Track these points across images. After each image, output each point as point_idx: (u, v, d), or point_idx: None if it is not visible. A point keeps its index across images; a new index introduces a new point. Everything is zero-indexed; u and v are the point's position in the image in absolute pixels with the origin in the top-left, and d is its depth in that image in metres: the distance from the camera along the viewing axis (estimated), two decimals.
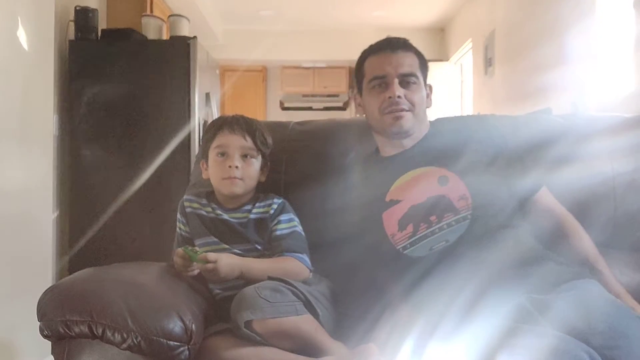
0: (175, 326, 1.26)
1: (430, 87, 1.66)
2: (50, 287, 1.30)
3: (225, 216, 1.64)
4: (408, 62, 1.59)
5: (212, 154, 1.65)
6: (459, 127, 1.67)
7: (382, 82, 1.57)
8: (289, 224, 1.65)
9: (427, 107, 1.65)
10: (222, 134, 1.64)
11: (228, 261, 1.48)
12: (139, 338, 1.22)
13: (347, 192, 1.66)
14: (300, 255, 1.60)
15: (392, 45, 1.61)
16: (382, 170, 1.61)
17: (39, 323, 1.27)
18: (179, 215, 1.70)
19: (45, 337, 1.27)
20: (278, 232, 1.63)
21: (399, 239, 1.50)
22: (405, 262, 1.47)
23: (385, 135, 1.63)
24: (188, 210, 1.68)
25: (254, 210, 1.65)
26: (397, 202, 1.53)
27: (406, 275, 1.44)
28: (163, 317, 1.27)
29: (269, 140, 1.70)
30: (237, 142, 1.63)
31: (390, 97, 1.55)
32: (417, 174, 1.55)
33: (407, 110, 1.56)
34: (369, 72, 1.62)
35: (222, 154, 1.63)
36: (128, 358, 1.25)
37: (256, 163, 1.67)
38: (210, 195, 1.70)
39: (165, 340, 1.24)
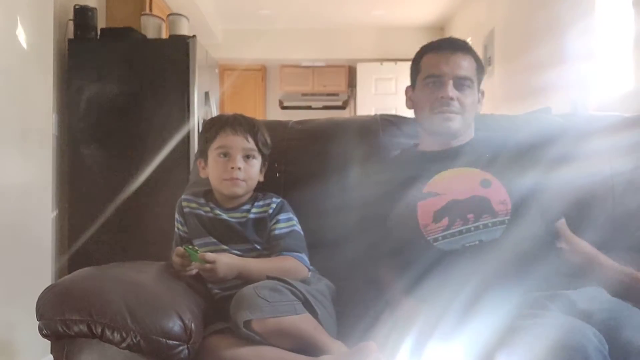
0: (175, 325, 1.26)
1: (482, 92, 1.68)
2: (49, 287, 1.30)
3: (224, 216, 1.64)
4: (465, 65, 1.60)
5: (213, 153, 1.64)
6: (505, 134, 1.70)
7: (437, 81, 1.59)
8: (287, 223, 1.65)
9: (477, 111, 1.67)
10: (225, 134, 1.63)
11: (226, 261, 1.48)
12: (138, 337, 1.22)
13: (381, 183, 1.65)
14: (299, 254, 1.60)
15: (452, 46, 1.63)
16: (422, 163, 1.63)
17: (38, 322, 1.27)
18: (176, 215, 1.69)
19: (45, 336, 1.27)
20: (277, 232, 1.62)
21: (432, 230, 1.50)
22: (434, 253, 1.48)
23: (432, 134, 1.65)
24: (186, 210, 1.67)
25: (253, 210, 1.65)
26: (436, 195, 1.54)
27: (433, 265, 1.45)
28: (162, 316, 1.27)
29: (269, 141, 1.70)
30: (240, 143, 1.63)
31: (442, 97, 1.56)
32: (460, 172, 1.57)
33: (457, 113, 1.58)
34: (425, 69, 1.63)
35: (225, 155, 1.63)
36: (127, 357, 1.25)
37: (257, 164, 1.66)
38: (208, 194, 1.70)
39: (164, 340, 1.24)
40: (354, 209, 1.67)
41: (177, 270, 1.50)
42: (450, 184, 1.54)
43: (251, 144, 1.64)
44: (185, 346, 1.27)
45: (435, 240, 1.49)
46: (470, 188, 1.52)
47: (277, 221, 1.64)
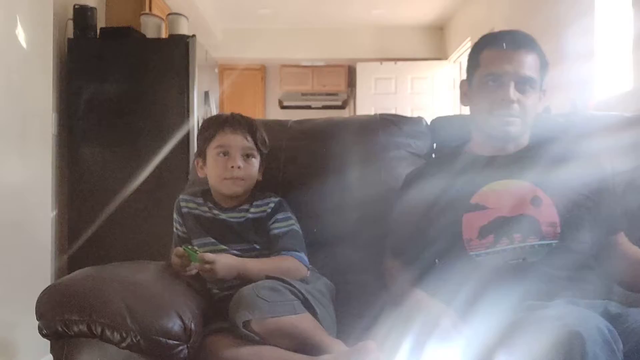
0: (174, 325, 1.26)
1: (544, 92, 1.55)
2: (48, 287, 1.30)
3: (223, 216, 1.64)
4: (529, 64, 1.47)
5: (213, 152, 1.64)
6: (563, 144, 1.56)
7: (498, 81, 1.46)
8: (286, 222, 1.65)
9: (538, 111, 1.55)
10: (224, 133, 1.63)
11: (225, 262, 1.48)
12: (138, 337, 1.22)
13: (425, 187, 1.54)
14: (297, 253, 1.60)
15: (516, 42, 1.49)
16: (473, 168, 1.51)
17: (37, 322, 1.27)
18: (175, 215, 1.69)
19: (44, 336, 1.27)
20: (275, 231, 1.62)
21: (475, 246, 1.41)
22: (474, 267, 1.39)
23: (488, 136, 1.54)
24: (184, 210, 1.67)
25: (251, 210, 1.65)
26: (484, 208, 1.43)
27: (471, 278, 1.35)
28: (162, 316, 1.27)
29: (267, 141, 1.70)
30: (239, 142, 1.63)
31: (503, 100, 1.45)
32: (512, 185, 1.46)
33: (517, 117, 1.47)
34: (485, 66, 1.50)
35: (224, 154, 1.63)
36: (127, 357, 1.25)
37: (256, 163, 1.66)
38: (206, 194, 1.69)
39: (164, 339, 1.24)
40: (433, 205, 1.51)
41: (177, 270, 1.50)
42: (499, 198, 1.43)
43: (250, 143, 1.64)
44: (185, 346, 1.27)
45: (478, 255, 1.40)
46: (520, 205, 1.41)
47: (276, 220, 1.64)
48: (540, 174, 1.45)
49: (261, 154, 1.69)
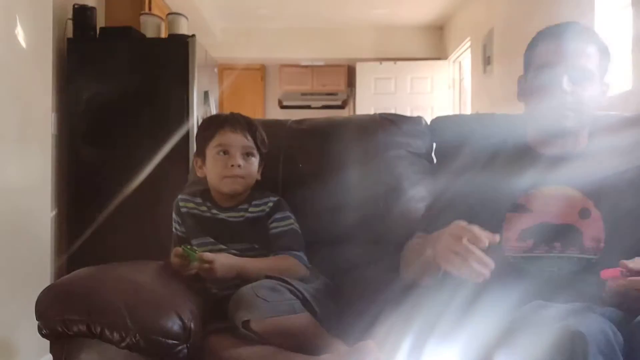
0: (174, 325, 1.26)
1: (607, 85, 1.46)
2: (48, 287, 1.30)
3: (222, 215, 1.64)
4: (585, 55, 1.39)
5: (212, 152, 1.64)
6: (625, 154, 1.45)
7: (550, 73, 1.38)
8: (285, 222, 1.65)
9: (600, 105, 1.46)
10: (224, 132, 1.64)
11: (224, 261, 1.48)
12: (138, 337, 1.22)
13: (477, 175, 1.46)
14: (297, 253, 1.60)
15: (570, 32, 1.41)
16: (528, 165, 1.43)
17: (37, 322, 1.27)
18: (174, 215, 1.69)
19: (44, 336, 1.27)
20: (274, 231, 1.63)
21: (512, 248, 1.36)
22: (507, 268, 1.33)
23: (544, 132, 1.46)
24: (183, 210, 1.67)
25: (250, 209, 1.65)
26: (528, 210, 1.38)
27: (501, 278, 1.26)
28: (162, 316, 1.27)
29: (267, 140, 1.71)
30: (239, 141, 1.63)
31: (556, 92, 1.37)
32: (562, 192, 1.38)
33: (571, 110, 1.38)
34: (538, 60, 1.43)
35: (224, 153, 1.63)
36: (127, 357, 1.25)
37: (255, 162, 1.67)
38: (205, 194, 1.69)
39: (164, 339, 1.24)
40: (482, 195, 1.41)
41: (176, 270, 1.50)
42: (546, 204, 1.37)
43: (250, 142, 1.65)
44: (185, 346, 1.27)
45: (514, 257, 1.36)
46: (567, 214, 1.35)
47: (275, 220, 1.64)
48: (594, 184, 1.37)
49: (260, 154, 1.69)
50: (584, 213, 1.36)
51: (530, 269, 1.34)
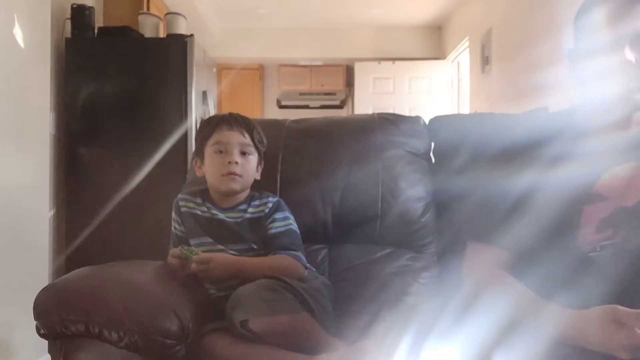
0: (172, 324, 1.26)
1: None
2: (46, 287, 1.30)
3: (221, 216, 1.64)
4: None
5: (210, 150, 1.64)
6: None
7: (608, 42, 1.21)
8: (283, 222, 1.65)
9: None
10: (221, 131, 1.64)
11: (222, 261, 1.49)
12: (136, 336, 1.22)
13: (531, 162, 1.31)
14: (295, 252, 1.60)
15: None
16: (593, 147, 1.28)
17: (35, 322, 1.27)
18: (173, 214, 1.69)
19: (42, 336, 1.27)
20: (273, 231, 1.62)
21: (591, 241, 1.22)
22: (584, 263, 1.22)
23: (607, 112, 1.27)
24: (183, 209, 1.67)
25: (250, 210, 1.65)
26: (605, 198, 1.23)
27: (578, 274, 1.19)
28: (160, 316, 1.27)
29: (265, 139, 1.71)
30: (236, 138, 1.63)
31: (614, 64, 1.19)
32: (632, 170, 1.24)
33: (636, 80, 1.18)
34: (591, 25, 1.26)
35: (221, 151, 1.63)
36: (125, 356, 1.25)
37: (253, 160, 1.67)
38: (204, 193, 1.70)
39: (162, 339, 1.24)
40: (551, 190, 1.27)
41: (174, 270, 1.50)
42: (621, 186, 1.23)
43: (247, 139, 1.65)
44: (183, 345, 1.27)
45: (593, 250, 1.22)
46: (638, 192, 1.21)
47: (274, 220, 1.64)
48: None
49: (259, 152, 1.69)
50: None
51: (609, 262, 1.20)
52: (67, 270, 1.75)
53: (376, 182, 1.77)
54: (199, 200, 1.68)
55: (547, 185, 1.26)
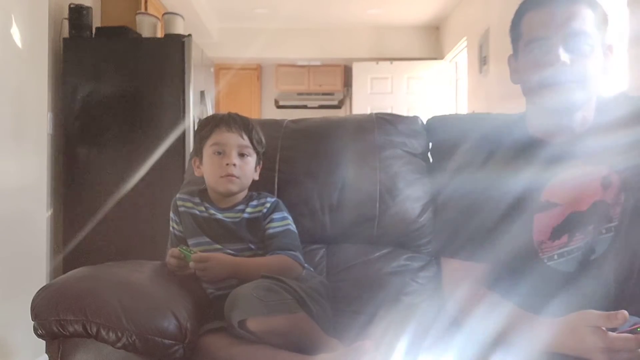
0: (170, 324, 1.26)
1: (610, 47, 1.29)
2: (43, 287, 1.30)
3: (219, 215, 1.64)
4: (580, 18, 1.22)
5: (209, 151, 1.64)
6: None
7: (543, 45, 1.23)
8: (281, 222, 1.65)
9: (604, 73, 1.28)
10: (220, 132, 1.64)
11: (220, 260, 1.49)
12: (134, 337, 1.22)
13: (488, 175, 1.32)
14: (292, 252, 1.60)
15: None
16: (538, 156, 1.29)
17: (33, 322, 1.27)
18: (172, 214, 1.69)
19: (40, 336, 1.27)
20: (271, 231, 1.62)
21: (547, 248, 1.26)
22: (546, 273, 1.26)
23: (546, 113, 1.30)
24: (181, 209, 1.67)
25: (247, 210, 1.65)
26: (555, 205, 1.26)
27: (544, 285, 1.22)
28: (158, 316, 1.27)
29: (264, 140, 1.71)
30: (234, 140, 1.63)
31: (552, 65, 1.21)
32: (581, 173, 1.26)
33: (573, 81, 1.21)
34: (526, 32, 1.27)
35: (220, 152, 1.63)
36: (123, 357, 1.25)
37: (251, 161, 1.67)
38: (202, 193, 1.70)
39: (160, 339, 1.24)
40: (499, 201, 1.28)
41: (173, 270, 1.50)
42: (570, 191, 1.25)
43: (246, 141, 1.65)
44: (181, 345, 1.27)
45: (550, 259, 1.26)
46: (591, 194, 1.24)
47: (271, 220, 1.64)
48: (606, 151, 1.25)
49: (257, 153, 1.69)
50: (605, 182, 1.25)
51: (570, 270, 1.25)
52: (65, 271, 1.75)
53: (374, 182, 1.77)
54: (197, 199, 1.68)
55: (503, 197, 1.28)
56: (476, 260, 1.30)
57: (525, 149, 1.31)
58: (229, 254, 1.56)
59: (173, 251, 1.50)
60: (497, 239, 1.28)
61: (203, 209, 1.66)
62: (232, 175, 1.61)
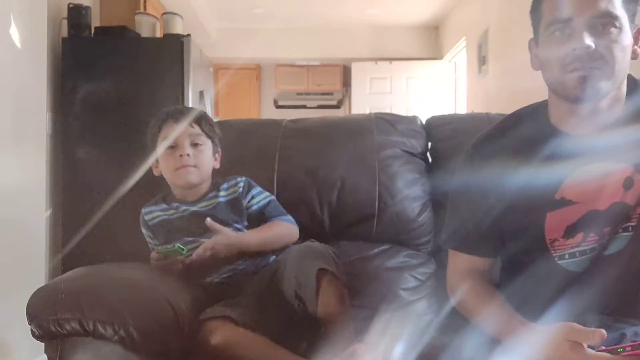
0: (167, 314, 1.27)
1: (638, 29, 1.17)
2: (37, 290, 1.28)
3: (193, 208, 1.63)
4: None
5: (161, 147, 1.63)
6: None
7: (565, 28, 1.13)
8: (262, 195, 1.67)
9: (634, 58, 1.17)
10: (168, 125, 1.63)
11: (224, 242, 1.50)
12: (131, 329, 1.21)
13: (503, 169, 1.23)
14: (286, 217, 1.63)
15: None
16: (557, 149, 1.20)
17: (30, 326, 1.26)
18: (144, 230, 1.68)
19: (37, 338, 1.26)
20: (256, 206, 1.64)
21: (559, 246, 1.20)
22: (555, 272, 1.21)
23: (568, 103, 1.18)
24: (151, 222, 1.66)
25: (221, 194, 1.65)
26: (571, 203, 1.18)
27: (552, 284, 1.18)
28: (154, 307, 1.28)
29: (216, 128, 1.69)
30: (184, 130, 1.62)
31: (574, 50, 1.10)
32: (602, 170, 1.17)
33: (599, 68, 1.10)
34: (547, 14, 1.18)
35: (173, 146, 1.62)
36: (121, 356, 1.24)
37: (207, 149, 1.65)
38: (167, 197, 1.69)
39: (157, 329, 1.24)
40: (512, 199, 1.22)
41: (167, 265, 1.50)
42: (589, 189, 1.17)
43: (197, 129, 1.64)
44: (179, 335, 1.27)
45: (561, 257, 1.20)
46: (612, 194, 1.16)
47: (252, 197, 1.65)
48: (632, 147, 1.16)
49: (212, 141, 1.68)
50: (627, 183, 1.17)
51: (579, 269, 1.20)
52: (64, 271, 1.74)
53: (373, 181, 1.78)
54: (163, 205, 1.66)
55: (516, 194, 1.21)
56: (481, 255, 1.29)
57: (545, 140, 1.22)
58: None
59: (153, 256, 1.51)
60: (506, 234, 1.25)
61: (173, 210, 1.64)
62: (188, 166, 1.60)
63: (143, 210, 1.68)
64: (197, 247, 1.52)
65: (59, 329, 1.23)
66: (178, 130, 1.61)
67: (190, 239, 1.59)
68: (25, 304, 1.26)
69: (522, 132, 1.26)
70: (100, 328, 1.21)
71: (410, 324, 1.28)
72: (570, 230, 1.18)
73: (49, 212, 3.04)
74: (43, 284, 1.31)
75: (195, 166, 1.61)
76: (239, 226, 1.61)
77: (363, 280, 1.69)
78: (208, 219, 1.49)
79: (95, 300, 1.24)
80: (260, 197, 1.65)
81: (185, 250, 1.47)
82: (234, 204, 1.63)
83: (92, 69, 3.22)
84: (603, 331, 0.96)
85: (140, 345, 1.23)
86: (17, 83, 2.48)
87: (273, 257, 1.59)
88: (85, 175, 3.20)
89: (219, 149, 1.71)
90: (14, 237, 2.44)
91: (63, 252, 3.13)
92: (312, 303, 1.35)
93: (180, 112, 1.65)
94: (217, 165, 1.70)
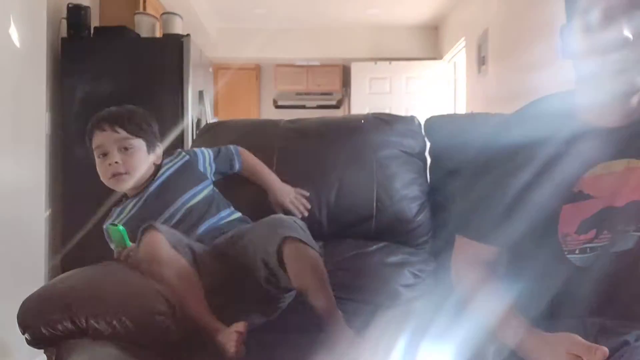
0: (160, 303, 1.28)
1: None
2: (25, 300, 1.28)
3: (145, 195, 1.64)
4: None
5: (96, 157, 1.64)
6: None
7: (605, 17, 1.05)
8: (212, 151, 1.75)
9: None
10: (96, 135, 1.64)
11: (278, 187, 1.69)
12: (124, 319, 1.22)
13: (526, 155, 1.17)
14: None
15: None
16: (580, 142, 1.14)
17: (24, 335, 1.25)
18: (111, 245, 1.66)
19: (32, 344, 1.26)
20: (219, 166, 1.73)
21: (571, 241, 1.16)
22: (564, 266, 1.17)
23: (598, 95, 1.13)
24: (123, 222, 1.65)
25: (165, 169, 1.68)
26: (588, 197, 1.13)
27: (560, 279, 1.15)
28: (146, 297, 1.29)
29: (147, 123, 1.70)
30: (109, 137, 1.62)
31: (612, 41, 1.04)
32: (624, 166, 1.13)
33: (636, 61, 1.03)
34: (583, 1, 1.10)
35: (104, 154, 1.62)
36: (118, 356, 1.24)
37: (138, 151, 1.65)
38: (119, 201, 1.71)
39: (151, 316, 1.25)
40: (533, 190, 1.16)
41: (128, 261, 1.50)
42: (608, 185, 1.13)
43: (122, 133, 1.63)
44: (171, 320, 1.27)
45: (571, 252, 1.16)
46: (631, 191, 1.12)
47: (209, 164, 1.74)
48: None
49: (144, 137, 1.67)
50: None
51: (586, 264, 1.16)
52: (63, 270, 1.75)
53: (371, 181, 1.78)
54: (119, 210, 1.68)
55: (533, 184, 1.17)
56: (490, 243, 1.24)
57: (569, 130, 1.15)
58: (191, 204, 1.59)
59: (119, 255, 1.53)
60: (519, 223, 1.19)
61: (129, 208, 1.65)
62: (119, 173, 1.60)
63: (105, 227, 1.67)
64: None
65: (52, 331, 1.22)
66: (104, 138, 1.62)
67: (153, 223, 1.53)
68: None
69: (545, 121, 1.20)
70: (92, 322, 1.21)
71: (411, 320, 1.28)
72: (584, 226, 1.14)
73: (48, 212, 3.04)
74: (42, 284, 1.31)
75: (126, 172, 1.61)
76: (199, 187, 1.66)
77: (362, 275, 1.69)
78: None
79: (83, 296, 1.24)
80: (213, 155, 1.73)
81: (124, 232, 1.48)
82: (187, 168, 1.68)
83: (91, 69, 3.22)
84: (605, 349, 0.95)
85: (136, 336, 1.23)
86: (16, 83, 2.48)
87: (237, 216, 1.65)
88: (84, 174, 3.17)
89: (159, 142, 1.71)
90: (14, 237, 2.44)
91: (62, 251, 3.13)
92: (282, 275, 1.38)
93: (104, 118, 1.65)
94: (158, 161, 1.70)
